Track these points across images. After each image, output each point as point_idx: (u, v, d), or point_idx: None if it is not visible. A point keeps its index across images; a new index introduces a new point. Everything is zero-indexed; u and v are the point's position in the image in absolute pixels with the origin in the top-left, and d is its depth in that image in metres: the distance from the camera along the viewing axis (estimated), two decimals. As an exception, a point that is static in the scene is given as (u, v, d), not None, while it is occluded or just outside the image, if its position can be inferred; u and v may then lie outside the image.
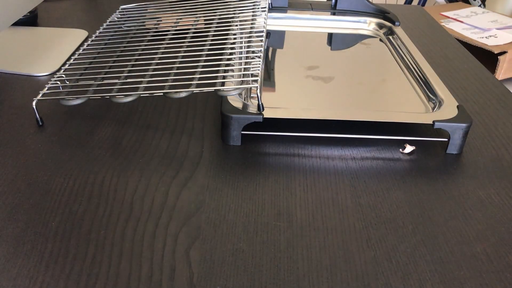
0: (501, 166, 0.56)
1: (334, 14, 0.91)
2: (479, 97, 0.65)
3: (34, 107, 0.59)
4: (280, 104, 0.64)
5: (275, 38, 0.88)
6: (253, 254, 0.43)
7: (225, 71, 0.59)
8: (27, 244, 0.43)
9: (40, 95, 0.59)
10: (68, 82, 0.63)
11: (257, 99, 0.54)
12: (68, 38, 0.83)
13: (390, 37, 0.85)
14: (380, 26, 0.88)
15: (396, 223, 0.47)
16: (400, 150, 0.58)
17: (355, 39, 0.87)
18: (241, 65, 0.59)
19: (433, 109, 0.62)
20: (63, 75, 0.64)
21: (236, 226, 0.46)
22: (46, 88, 0.61)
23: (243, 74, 0.57)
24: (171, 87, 0.57)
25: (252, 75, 0.57)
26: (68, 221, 0.46)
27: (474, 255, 0.44)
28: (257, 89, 0.54)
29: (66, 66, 0.66)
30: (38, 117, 0.60)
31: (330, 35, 0.88)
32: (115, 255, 0.42)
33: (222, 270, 0.41)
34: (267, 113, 0.56)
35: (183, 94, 0.56)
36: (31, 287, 0.39)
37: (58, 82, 0.62)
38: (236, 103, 0.57)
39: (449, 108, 0.59)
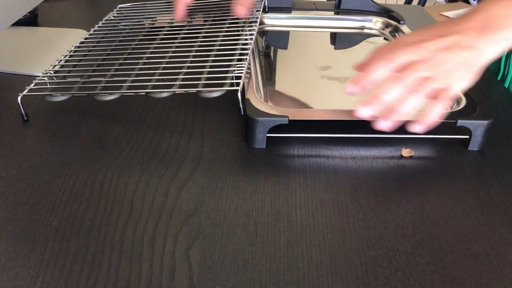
0: (500, 166, 0.56)
1: (338, 13, 0.91)
2: (479, 97, 0.65)
3: (19, 102, 0.59)
4: (301, 105, 0.64)
5: (280, 38, 0.88)
6: (253, 254, 0.43)
7: (209, 72, 0.59)
8: (27, 244, 0.43)
9: (26, 90, 0.60)
10: (55, 79, 0.63)
11: (239, 102, 0.54)
12: (68, 38, 0.83)
13: (397, 35, 0.85)
14: (386, 25, 0.89)
15: (396, 223, 0.47)
16: (402, 153, 0.57)
17: (361, 38, 0.87)
18: (226, 67, 0.59)
19: (451, 107, 0.62)
20: (51, 72, 0.64)
21: (236, 226, 0.46)
22: (33, 84, 0.61)
23: (227, 76, 0.57)
24: (154, 87, 0.58)
25: (236, 77, 0.57)
26: (68, 221, 0.46)
27: (474, 255, 0.44)
28: (237, 92, 0.54)
29: (56, 63, 0.66)
30: (23, 112, 0.60)
31: (336, 35, 0.88)
32: (115, 255, 0.42)
33: (222, 270, 0.41)
34: (293, 115, 0.56)
35: (164, 94, 0.56)
36: (31, 287, 0.39)
37: (45, 79, 0.62)
38: (261, 105, 0.57)
39: (468, 105, 0.60)
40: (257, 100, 0.58)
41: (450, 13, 2.05)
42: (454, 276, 0.42)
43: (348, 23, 0.91)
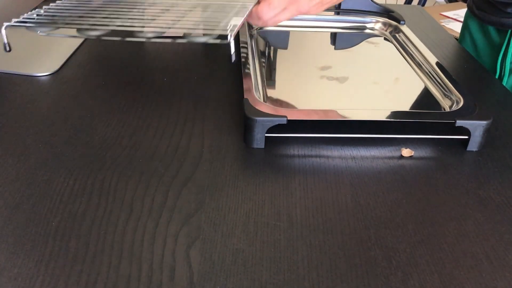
0: (500, 166, 0.56)
1: (338, 14, 0.91)
2: (479, 97, 0.65)
3: (3, 32, 0.57)
4: (300, 105, 0.64)
5: (280, 38, 0.88)
6: (253, 254, 0.43)
7: (204, 21, 0.56)
8: (27, 244, 0.43)
9: (13, 21, 0.58)
10: (44, 16, 0.61)
11: (231, 47, 0.50)
12: (68, 38, 0.83)
13: (397, 35, 0.85)
14: (386, 25, 0.89)
15: (396, 223, 0.47)
16: (402, 153, 0.57)
17: (361, 38, 0.87)
18: (222, 18, 0.56)
19: (450, 107, 0.62)
20: (42, 10, 0.62)
21: (236, 226, 0.46)
22: (22, 18, 0.59)
23: (221, 23, 0.54)
24: (142, 29, 0.55)
25: (232, 27, 0.52)
26: (68, 221, 0.46)
27: (474, 255, 0.44)
28: (229, 36, 0.50)
29: (51, 5, 0.63)
30: (5, 42, 0.58)
31: (336, 35, 0.88)
32: (115, 255, 0.42)
33: (222, 270, 0.41)
34: (291, 115, 0.56)
35: (150, 34, 0.54)
36: (31, 287, 0.39)
37: (34, 15, 0.60)
38: (259, 105, 0.57)
39: (467, 106, 0.60)
40: (256, 100, 0.58)
41: (450, 13, 2.05)
42: (454, 276, 0.42)
43: (348, 23, 0.91)
